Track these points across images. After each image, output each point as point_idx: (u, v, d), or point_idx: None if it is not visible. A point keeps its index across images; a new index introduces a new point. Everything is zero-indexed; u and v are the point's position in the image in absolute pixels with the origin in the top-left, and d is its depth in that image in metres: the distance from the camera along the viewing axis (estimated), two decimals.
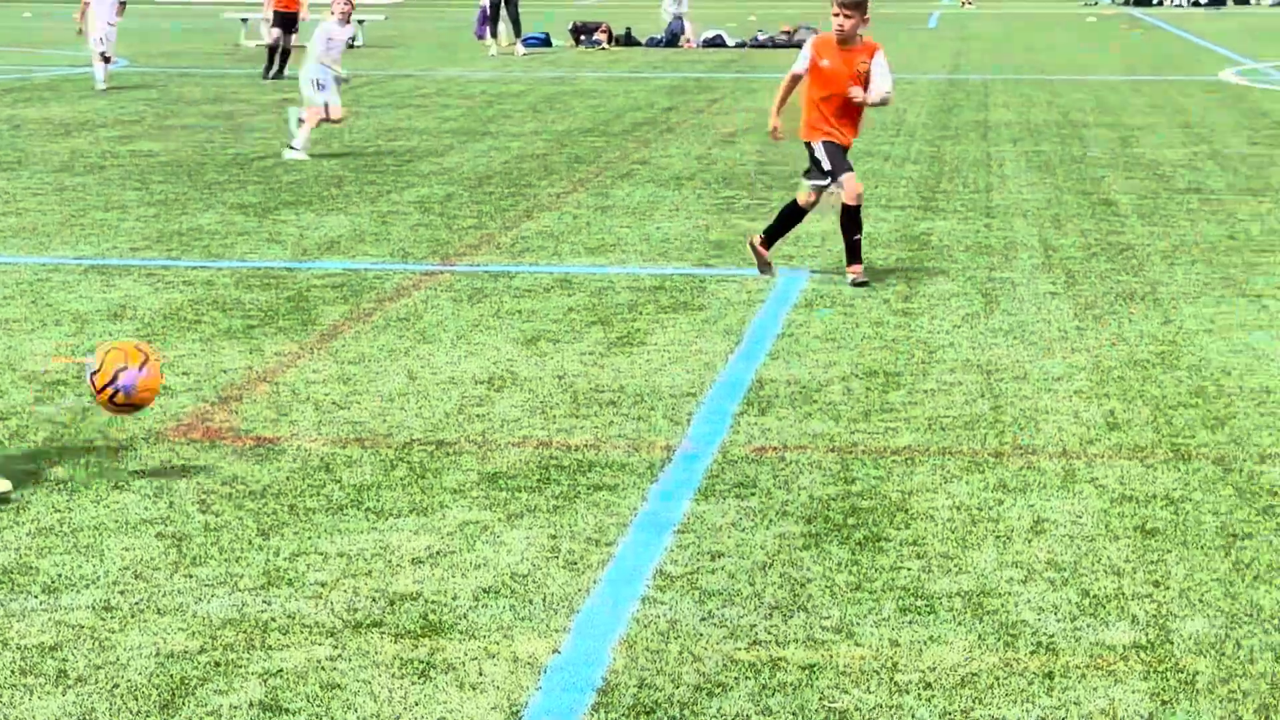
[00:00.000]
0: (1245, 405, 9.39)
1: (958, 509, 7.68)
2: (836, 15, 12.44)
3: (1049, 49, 41.34)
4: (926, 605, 6.53)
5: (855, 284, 12.50)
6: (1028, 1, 68.69)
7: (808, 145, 12.63)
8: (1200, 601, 6.56)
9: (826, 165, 12.46)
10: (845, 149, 12.59)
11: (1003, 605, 6.53)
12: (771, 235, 12.91)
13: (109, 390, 7.93)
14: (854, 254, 12.62)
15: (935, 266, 13.44)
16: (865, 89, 12.43)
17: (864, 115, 12.79)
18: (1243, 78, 32.14)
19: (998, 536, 7.31)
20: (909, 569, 6.92)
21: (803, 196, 12.71)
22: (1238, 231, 14.96)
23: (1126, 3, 69.91)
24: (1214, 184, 17.96)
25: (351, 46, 22.31)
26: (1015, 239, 14.65)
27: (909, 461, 8.41)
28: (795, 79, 12.72)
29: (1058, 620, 6.38)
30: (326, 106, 20.00)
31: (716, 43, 41.80)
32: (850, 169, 12.57)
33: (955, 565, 6.97)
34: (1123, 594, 6.64)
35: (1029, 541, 7.25)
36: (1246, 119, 24.57)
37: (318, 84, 20.08)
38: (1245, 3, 70.92)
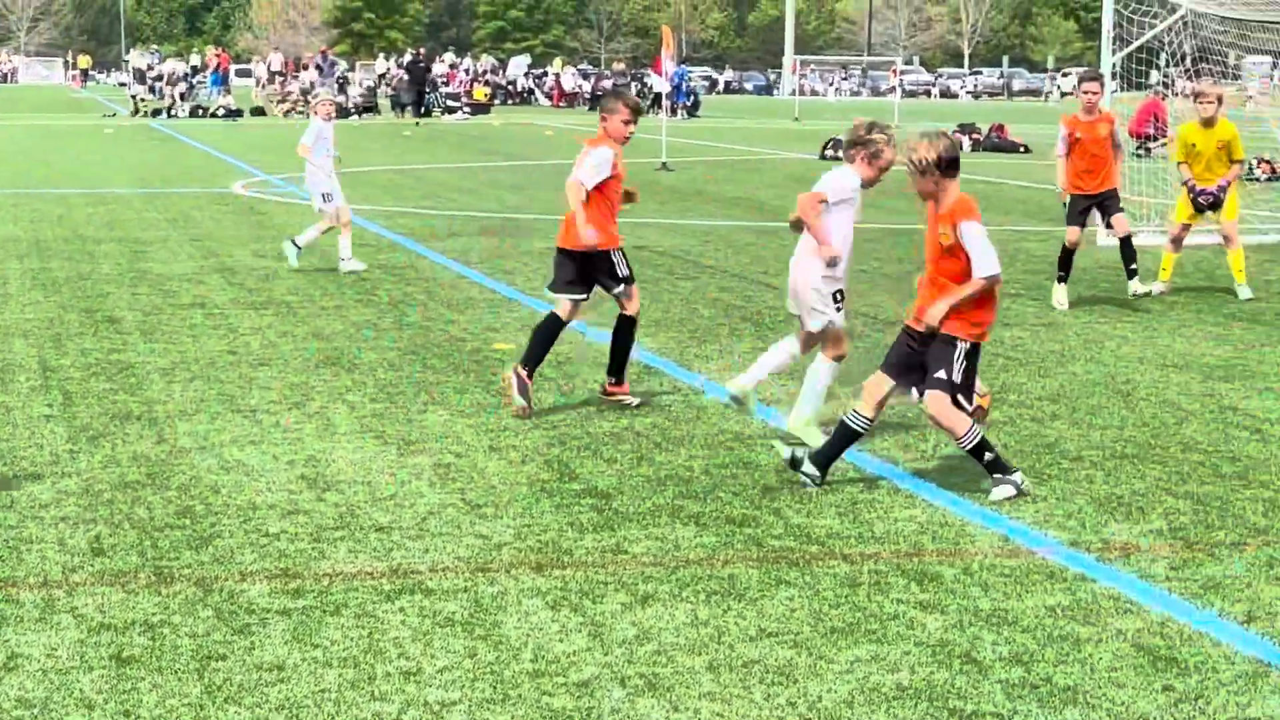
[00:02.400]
0: (231, 524, 9.54)
1: None
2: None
3: (65, 162, 40.89)
4: None
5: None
6: (48, 115, 67.85)
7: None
8: None
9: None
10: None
11: None
12: None
13: None
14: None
15: None
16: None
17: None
18: (252, 189, 32.91)
19: None
20: None
21: None
22: (238, 345, 15.23)
23: (143, 115, 70.19)
24: (219, 298, 18.24)
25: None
26: (14, 361, 14.36)
27: None
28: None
29: None
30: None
31: None
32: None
33: None
34: None
35: (1, 680, 7.08)
36: (255, 231, 25.15)
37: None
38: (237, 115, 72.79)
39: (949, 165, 10.08)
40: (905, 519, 9.77)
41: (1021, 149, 51.84)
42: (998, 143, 53.08)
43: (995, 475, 10.13)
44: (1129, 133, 42.46)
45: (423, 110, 73.11)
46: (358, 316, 17.08)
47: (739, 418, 12.24)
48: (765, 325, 16.66)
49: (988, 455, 10.12)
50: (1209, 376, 14.12)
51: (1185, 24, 26.97)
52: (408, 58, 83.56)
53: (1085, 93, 18.34)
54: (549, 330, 12.70)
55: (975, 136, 53.71)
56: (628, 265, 12.79)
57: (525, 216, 28.10)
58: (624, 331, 12.87)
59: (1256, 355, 15.25)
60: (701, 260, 22.26)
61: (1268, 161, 38.19)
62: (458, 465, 10.98)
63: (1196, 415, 12.60)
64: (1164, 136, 43.17)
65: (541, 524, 9.64)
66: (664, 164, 40.13)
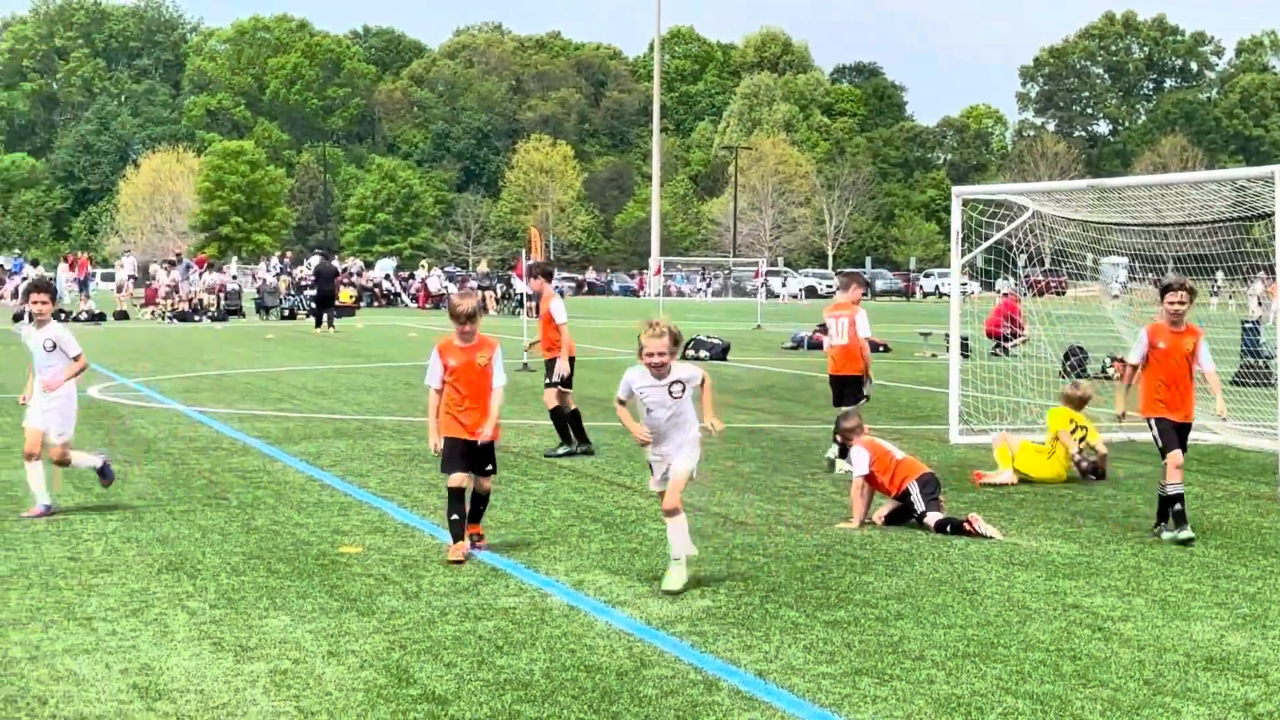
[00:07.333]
0: None
1: None
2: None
3: None
4: None
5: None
6: None
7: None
8: None
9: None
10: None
11: None
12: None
13: None
14: None
15: None
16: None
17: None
18: (109, 394, 32.57)
19: None
20: None
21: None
22: (80, 551, 14.99)
23: None
24: (64, 502, 17.99)
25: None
26: None
27: None
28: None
29: None
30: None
31: None
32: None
33: None
34: None
35: None
36: (108, 435, 24.86)
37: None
38: (125, 318, 72.46)
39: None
40: None
41: (882, 349, 52.49)
42: None
43: None
44: (985, 333, 43.06)
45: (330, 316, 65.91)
46: (205, 521, 16.87)
47: (584, 620, 12.16)
48: (616, 526, 16.60)
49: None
50: (1054, 574, 14.20)
51: (1042, 225, 27.48)
52: (315, 259, 79.94)
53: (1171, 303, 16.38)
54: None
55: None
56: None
57: (382, 418, 27.97)
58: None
59: (1102, 552, 15.36)
60: (557, 461, 22.22)
61: (1120, 360, 38.84)
62: (294, 671, 10.79)
63: (1040, 613, 12.64)
64: (1019, 335, 43.94)
65: None
66: (525, 364, 40.17)
